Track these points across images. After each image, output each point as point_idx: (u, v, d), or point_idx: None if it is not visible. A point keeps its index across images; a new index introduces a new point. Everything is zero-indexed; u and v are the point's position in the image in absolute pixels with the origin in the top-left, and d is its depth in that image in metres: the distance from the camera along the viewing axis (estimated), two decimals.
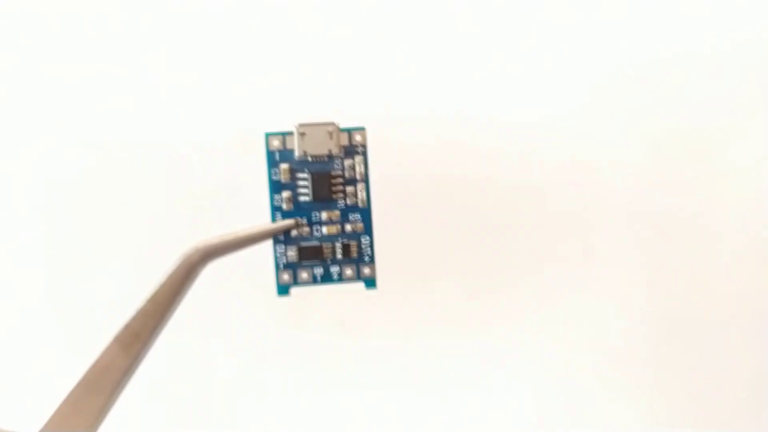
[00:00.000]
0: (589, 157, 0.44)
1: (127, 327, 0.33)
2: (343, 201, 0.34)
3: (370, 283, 0.35)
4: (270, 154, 0.34)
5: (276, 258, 0.34)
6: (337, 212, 0.34)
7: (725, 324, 0.45)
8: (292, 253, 0.34)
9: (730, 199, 0.44)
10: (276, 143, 0.34)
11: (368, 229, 0.34)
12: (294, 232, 0.34)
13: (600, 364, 0.45)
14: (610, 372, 0.45)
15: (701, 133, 0.44)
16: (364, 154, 0.34)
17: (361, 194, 0.34)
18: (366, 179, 0.34)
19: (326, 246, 0.34)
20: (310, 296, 0.35)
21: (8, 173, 0.41)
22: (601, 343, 0.45)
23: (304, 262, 0.34)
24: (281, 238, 0.34)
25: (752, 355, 0.45)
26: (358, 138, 0.34)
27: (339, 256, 0.34)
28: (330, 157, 0.34)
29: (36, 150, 0.41)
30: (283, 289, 0.34)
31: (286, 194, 0.34)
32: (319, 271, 0.34)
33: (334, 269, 0.34)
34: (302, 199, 0.34)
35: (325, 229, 0.34)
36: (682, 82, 0.44)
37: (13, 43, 0.41)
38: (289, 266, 0.34)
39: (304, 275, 0.34)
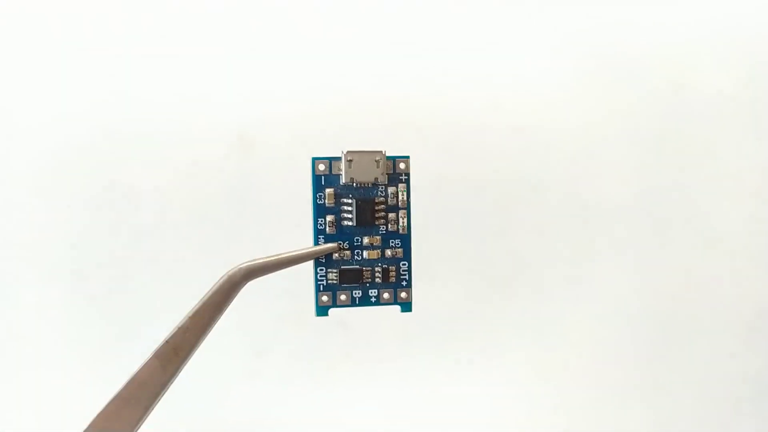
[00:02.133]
0: (589, 158, 0.45)
1: (168, 343, 0.33)
2: (384, 227, 0.35)
3: (406, 307, 0.36)
4: (316, 179, 0.35)
5: (317, 280, 0.35)
6: (379, 238, 0.35)
7: (724, 324, 0.45)
8: (332, 276, 0.35)
9: (730, 199, 0.45)
10: (322, 167, 0.35)
11: (407, 255, 0.35)
12: (335, 256, 0.35)
13: (598, 363, 0.46)
14: (608, 372, 0.46)
15: (700, 133, 0.45)
16: (407, 182, 0.35)
17: (402, 221, 0.35)
18: (408, 207, 0.35)
19: (366, 270, 0.35)
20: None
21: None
22: (600, 343, 0.46)
23: (344, 285, 0.35)
24: (322, 260, 0.35)
25: (751, 356, 0.45)
26: (402, 166, 0.35)
27: (378, 280, 0.35)
28: (375, 184, 0.35)
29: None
30: (322, 311, 0.35)
31: (330, 218, 0.35)
32: (358, 293, 0.35)
33: (372, 292, 0.35)
34: (345, 223, 0.35)
35: (366, 254, 0.35)
36: (682, 81, 0.45)
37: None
38: (328, 288, 0.35)
39: (342, 297, 0.35)
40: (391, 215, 0.35)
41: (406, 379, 0.46)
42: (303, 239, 0.35)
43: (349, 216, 0.35)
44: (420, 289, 0.36)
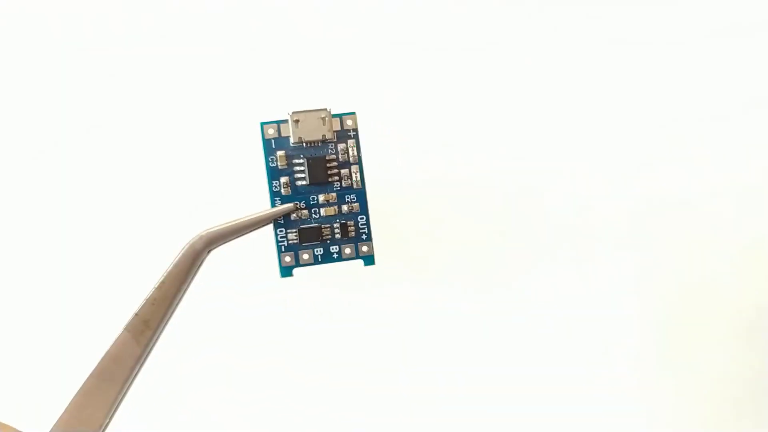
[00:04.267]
0: (587, 155, 0.45)
1: (137, 315, 0.34)
2: (338, 183, 0.36)
3: (369, 260, 0.36)
4: (266, 143, 0.35)
5: (277, 241, 0.35)
6: (334, 194, 0.36)
7: (723, 325, 0.45)
8: (292, 236, 0.35)
9: (729, 199, 0.45)
10: (271, 131, 0.35)
11: (364, 209, 0.36)
12: (293, 216, 0.35)
13: (596, 363, 0.46)
14: (606, 372, 0.46)
15: (699, 132, 0.45)
16: (356, 137, 0.36)
17: (355, 176, 0.36)
18: (359, 162, 0.36)
19: (325, 227, 0.36)
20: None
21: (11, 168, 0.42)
22: (598, 343, 0.46)
23: (305, 244, 0.35)
24: (281, 221, 0.35)
25: (751, 356, 0.45)
26: (349, 122, 0.36)
27: (338, 236, 0.36)
28: (324, 141, 0.36)
29: (37, 143, 0.42)
30: (286, 271, 0.36)
31: (284, 179, 0.35)
32: (319, 251, 0.36)
33: (334, 249, 0.36)
34: (300, 183, 0.35)
35: (323, 211, 0.36)
36: (680, 79, 0.45)
37: (18, 42, 0.42)
38: (290, 248, 0.35)
39: (305, 256, 0.36)
40: (344, 171, 0.36)
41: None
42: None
43: (303, 176, 0.35)
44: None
